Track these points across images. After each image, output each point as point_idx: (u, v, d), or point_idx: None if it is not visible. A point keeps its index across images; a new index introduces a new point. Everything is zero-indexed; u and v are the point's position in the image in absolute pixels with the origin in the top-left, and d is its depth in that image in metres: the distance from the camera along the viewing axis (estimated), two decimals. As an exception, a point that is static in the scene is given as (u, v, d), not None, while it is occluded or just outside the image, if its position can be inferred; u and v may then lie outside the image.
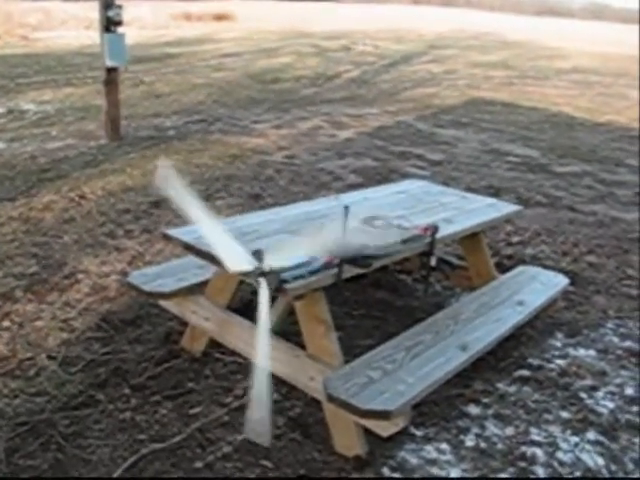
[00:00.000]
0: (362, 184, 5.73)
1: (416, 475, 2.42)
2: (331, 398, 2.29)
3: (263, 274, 2.25)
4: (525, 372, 3.13)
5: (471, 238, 3.53)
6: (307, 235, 2.43)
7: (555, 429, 2.72)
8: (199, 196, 2.25)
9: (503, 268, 4.08)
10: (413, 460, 2.49)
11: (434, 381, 2.44)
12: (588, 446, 2.63)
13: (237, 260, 2.31)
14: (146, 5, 22.16)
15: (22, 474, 2.34)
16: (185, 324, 3.16)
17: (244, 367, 2.99)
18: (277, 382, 2.82)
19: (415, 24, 24.90)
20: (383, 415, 2.25)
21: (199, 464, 2.43)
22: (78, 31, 17.12)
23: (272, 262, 2.26)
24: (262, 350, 2.21)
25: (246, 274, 2.33)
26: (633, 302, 3.92)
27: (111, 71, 6.81)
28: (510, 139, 8.13)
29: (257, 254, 2.29)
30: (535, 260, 4.43)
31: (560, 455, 2.57)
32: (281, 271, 2.28)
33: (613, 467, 2.52)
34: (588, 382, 3.07)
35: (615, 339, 3.49)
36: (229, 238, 2.33)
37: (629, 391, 3.02)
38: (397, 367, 2.47)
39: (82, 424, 2.62)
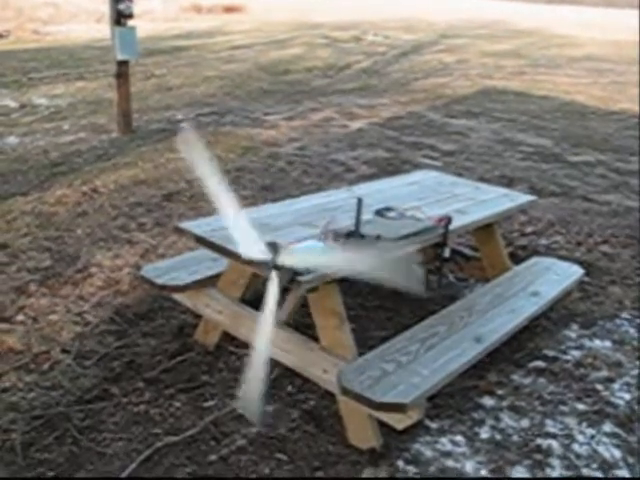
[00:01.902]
0: (374, 175, 5.71)
1: (432, 468, 2.41)
2: (345, 391, 2.28)
3: (276, 267, 2.23)
4: (540, 363, 3.11)
5: (485, 229, 3.51)
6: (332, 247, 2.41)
7: (571, 421, 2.70)
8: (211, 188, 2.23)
9: (517, 259, 4.05)
10: (428, 452, 2.49)
11: (449, 373, 2.43)
12: (604, 438, 2.61)
13: (251, 248, 2.29)
14: (156, -2, 22.12)
15: (38, 468, 2.36)
16: (198, 317, 3.16)
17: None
18: (291, 374, 2.83)
19: (424, 13, 24.75)
20: (398, 408, 2.24)
21: (213, 457, 2.44)
22: (89, 25, 17.10)
23: (287, 259, 2.23)
24: (264, 334, 2.20)
25: (258, 265, 2.32)
26: (649, 292, 3.89)
27: (122, 64, 6.80)
28: (522, 128, 8.06)
29: (272, 246, 2.26)
30: (549, 250, 4.40)
31: (576, 447, 2.55)
32: (295, 271, 2.26)
33: (630, 459, 2.50)
34: (604, 373, 3.05)
35: (631, 330, 3.46)
36: (247, 224, 2.29)
37: (645, 382, 3.00)
38: (411, 359, 2.46)
39: (97, 418, 2.63)
